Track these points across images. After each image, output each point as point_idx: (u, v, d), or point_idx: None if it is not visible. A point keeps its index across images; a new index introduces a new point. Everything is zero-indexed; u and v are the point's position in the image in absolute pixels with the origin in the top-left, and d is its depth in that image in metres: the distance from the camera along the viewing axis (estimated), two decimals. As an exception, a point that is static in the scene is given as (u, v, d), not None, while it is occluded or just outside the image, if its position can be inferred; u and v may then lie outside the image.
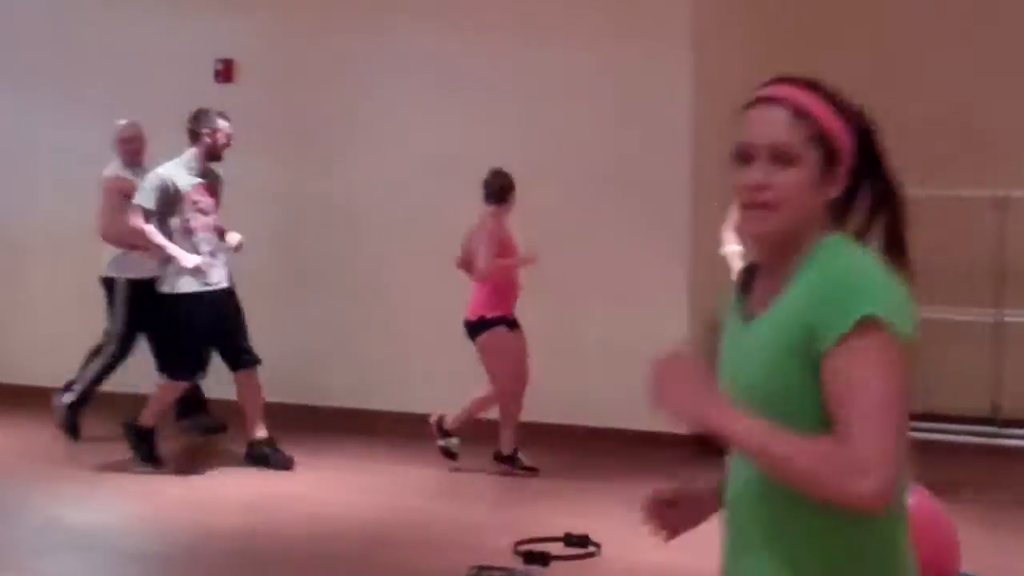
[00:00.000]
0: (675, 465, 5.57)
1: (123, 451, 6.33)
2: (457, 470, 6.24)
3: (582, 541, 5.11)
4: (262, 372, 6.34)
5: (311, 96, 7.34)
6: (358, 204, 7.25)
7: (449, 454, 6.33)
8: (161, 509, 5.67)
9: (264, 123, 7.23)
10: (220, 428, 6.93)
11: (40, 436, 6.92)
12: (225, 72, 7.53)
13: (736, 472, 1.77)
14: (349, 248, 7.32)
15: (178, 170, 6.17)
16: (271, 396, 6.48)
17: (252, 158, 6.93)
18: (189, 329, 6.10)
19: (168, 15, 7.65)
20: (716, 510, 1.89)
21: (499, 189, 6.14)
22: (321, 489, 6.02)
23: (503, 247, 6.13)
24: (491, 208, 6.14)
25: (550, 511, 5.51)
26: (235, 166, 6.51)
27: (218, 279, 6.19)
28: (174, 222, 6.15)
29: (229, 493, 5.94)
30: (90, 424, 6.84)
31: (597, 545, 5.04)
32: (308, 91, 7.37)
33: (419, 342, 7.15)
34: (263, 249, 6.97)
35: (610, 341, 6.73)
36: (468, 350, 6.15)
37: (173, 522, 5.47)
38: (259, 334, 6.42)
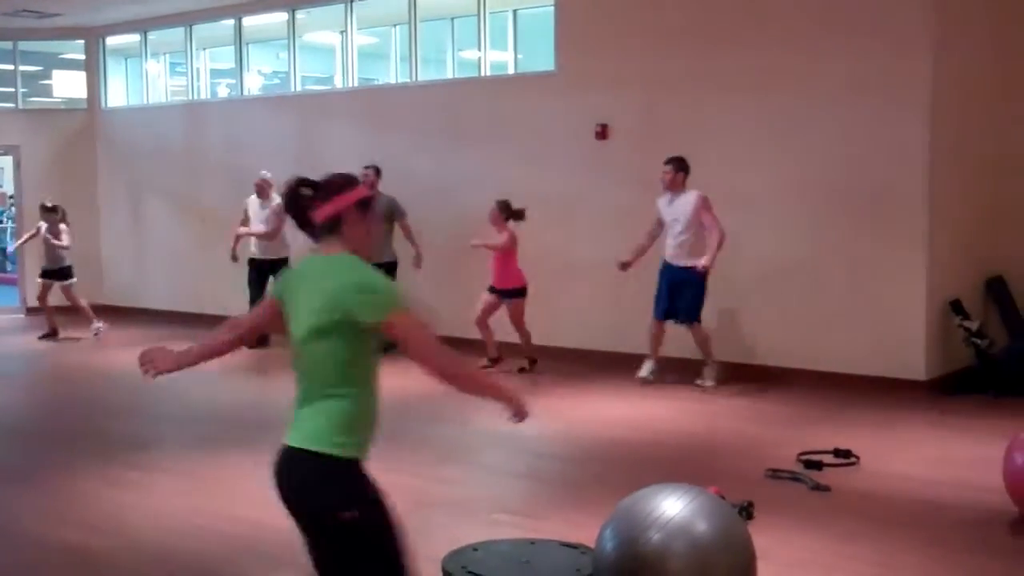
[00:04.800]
0: (913, 403, 8.11)
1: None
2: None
3: (846, 453, 6.95)
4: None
5: (662, 148, 10.00)
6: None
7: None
8: (565, 423, 8.25)
9: (629, 168, 10.51)
10: None
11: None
12: (602, 132, 10.67)
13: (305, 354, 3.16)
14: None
15: None
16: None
17: (623, 192, 10.37)
18: None
19: (564, 95, 10.93)
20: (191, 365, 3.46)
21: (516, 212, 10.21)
22: (656, 409, 8.74)
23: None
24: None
25: (823, 432, 7.78)
26: (614, 197, 10.18)
27: None
28: None
29: (612, 412, 8.64)
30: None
31: (857, 457, 6.97)
32: (660, 144, 10.10)
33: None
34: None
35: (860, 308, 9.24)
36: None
37: (572, 432, 8.00)
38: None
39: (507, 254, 10.37)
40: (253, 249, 12.39)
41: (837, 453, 7.02)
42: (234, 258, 12.51)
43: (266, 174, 12.39)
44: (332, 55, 14.38)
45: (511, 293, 10.48)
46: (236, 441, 7.88)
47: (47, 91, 18.23)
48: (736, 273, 9.93)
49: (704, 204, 9.45)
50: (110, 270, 15.64)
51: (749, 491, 6.12)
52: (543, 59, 11.66)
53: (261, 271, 12.03)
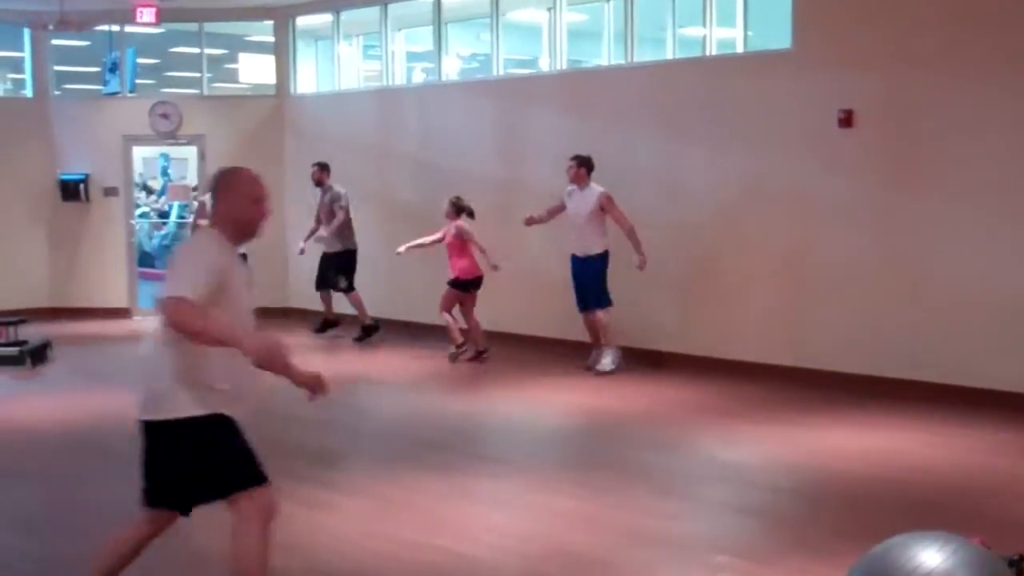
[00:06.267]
0: None
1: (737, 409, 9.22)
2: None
3: None
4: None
5: (916, 137, 9.83)
6: (950, 226, 9.90)
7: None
8: (793, 454, 8.18)
9: (877, 161, 10.23)
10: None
11: (707, 392, 10.36)
12: (846, 119, 10.41)
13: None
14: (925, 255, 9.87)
15: None
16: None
17: (867, 185, 10.16)
18: None
19: (801, 77, 10.69)
20: None
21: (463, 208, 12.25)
22: (896, 442, 8.46)
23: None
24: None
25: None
26: (858, 193, 10.01)
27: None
28: None
29: (845, 444, 8.49)
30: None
31: None
32: (913, 133, 9.91)
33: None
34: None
35: None
36: None
37: (802, 465, 7.92)
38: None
39: (456, 246, 12.24)
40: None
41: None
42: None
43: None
44: (538, 35, 14.53)
45: (454, 283, 12.30)
46: (430, 462, 8.07)
47: (233, 76, 19.06)
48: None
49: (605, 202, 11.31)
50: (296, 270, 16.21)
51: (1020, 541, 5.84)
52: (777, 36, 11.46)
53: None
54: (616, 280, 11.52)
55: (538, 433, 9.32)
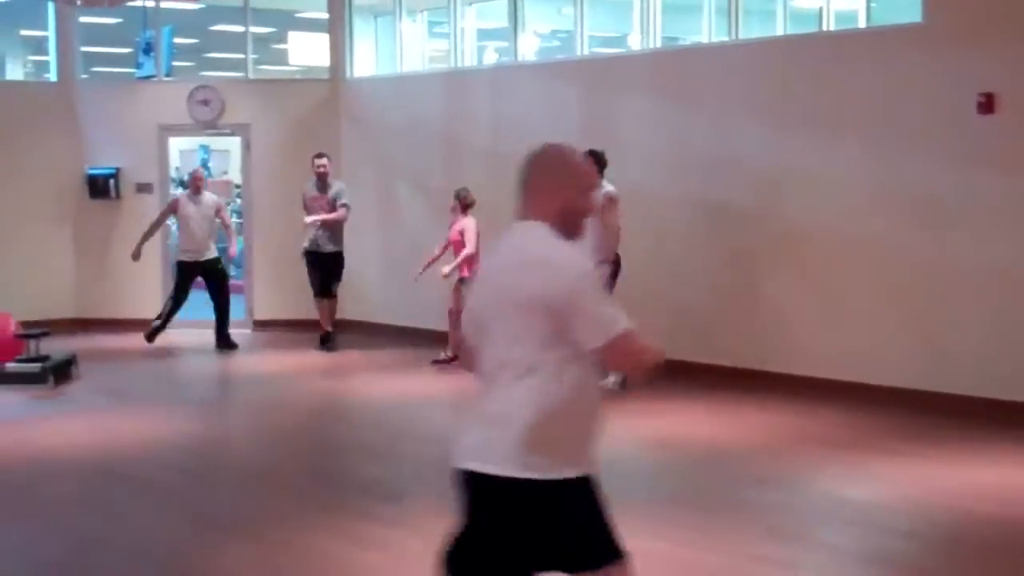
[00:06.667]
0: None
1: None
2: None
3: None
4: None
5: None
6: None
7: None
8: (924, 492, 8.03)
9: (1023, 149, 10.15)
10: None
11: (815, 417, 10.28)
12: (986, 104, 10.29)
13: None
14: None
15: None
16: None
17: (1012, 180, 10.16)
18: None
19: (934, 55, 10.58)
20: None
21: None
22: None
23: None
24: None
25: None
26: (990, 187, 9.84)
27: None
28: None
29: (984, 481, 8.34)
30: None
31: None
32: None
33: None
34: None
35: None
36: None
37: (934, 505, 7.78)
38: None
39: (461, 244, 13.04)
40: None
41: None
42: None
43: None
44: (628, 8, 14.47)
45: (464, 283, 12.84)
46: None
47: (282, 57, 19.21)
48: None
49: (606, 203, 11.22)
50: (353, 277, 16.26)
51: None
52: (906, 7, 11.31)
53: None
54: (701, 291, 11.40)
55: (618, 465, 9.22)
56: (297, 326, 15.70)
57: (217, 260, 15.05)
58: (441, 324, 13.94)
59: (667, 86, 12.94)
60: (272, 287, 16.54)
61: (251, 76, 17.25)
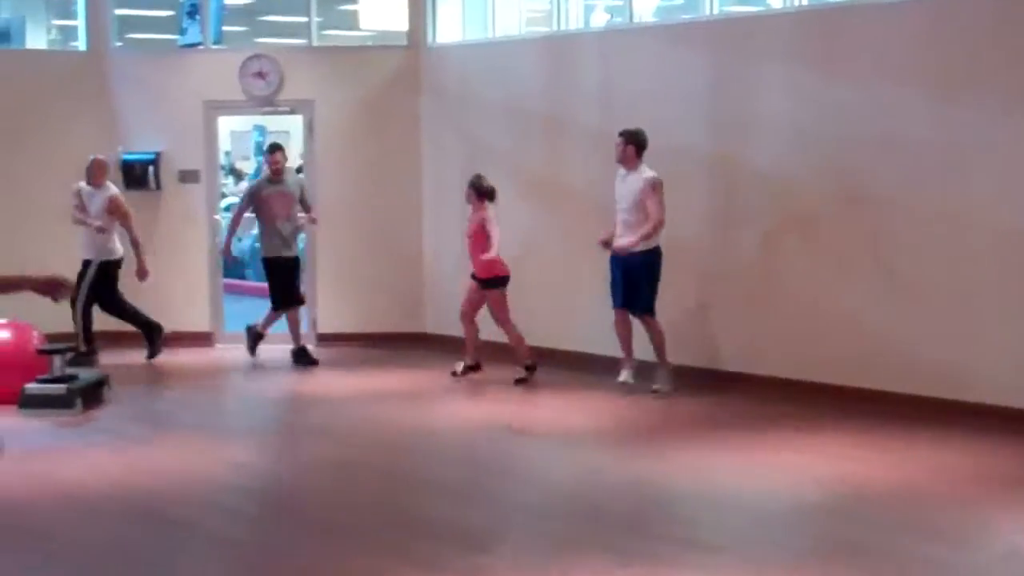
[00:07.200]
0: None
1: None
2: None
3: None
4: None
5: None
6: None
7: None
8: None
9: None
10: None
11: (996, 457, 10.15)
12: None
13: None
14: None
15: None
16: None
17: None
18: None
19: None
20: None
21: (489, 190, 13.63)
22: None
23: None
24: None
25: None
26: None
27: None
28: None
29: None
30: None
31: None
32: None
33: None
34: None
35: None
36: None
37: None
38: None
39: (480, 239, 13.58)
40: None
41: None
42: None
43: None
44: (767, -42, 14.34)
45: (487, 283, 13.73)
46: (610, 545, 8.02)
47: (351, 21, 19.26)
48: None
49: (650, 190, 12.43)
50: (436, 280, 16.26)
51: None
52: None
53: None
54: (854, 298, 11.24)
55: (759, 509, 9.12)
56: (368, 340, 15.72)
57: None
58: (536, 337, 13.93)
59: (813, 51, 12.82)
60: (340, 295, 16.59)
61: (315, 43, 17.28)
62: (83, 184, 15.17)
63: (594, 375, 13.59)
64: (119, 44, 17.78)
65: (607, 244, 12.85)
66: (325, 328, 16.55)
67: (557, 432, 11.67)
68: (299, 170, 17.65)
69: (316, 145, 16.84)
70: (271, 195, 15.23)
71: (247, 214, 15.74)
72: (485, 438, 11.35)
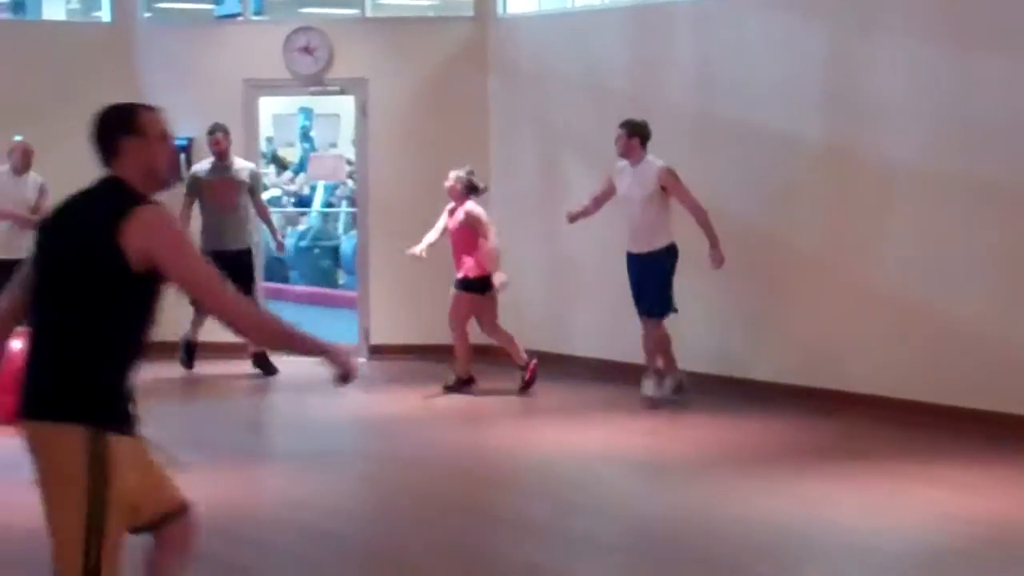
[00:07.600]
0: None
1: None
2: None
3: None
4: None
5: None
6: None
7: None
8: None
9: None
10: None
11: None
12: None
13: None
14: None
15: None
16: None
17: None
18: None
19: None
20: None
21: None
22: None
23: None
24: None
25: None
26: None
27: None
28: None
29: None
30: None
31: None
32: None
33: None
34: None
35: None
36: None
37: None
38: None
39: (465, 236, 14.15)
40: None
41: None
42: None
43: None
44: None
45: (480, 284, 14.19)
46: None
47: (410, -11, 19.35)
48: None
49: (667, 180, 12.94)
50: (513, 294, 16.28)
51: None
52: None
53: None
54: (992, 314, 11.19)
55: (888, 549, 9.06)
56: (426, 353, 15.75)
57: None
58: (612, 352, 13.97)
59: (942, 21, 12.77)
60: (396, 302, 16.63)
61: (368, 14, 17.39)
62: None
63: (691, 393, 13.61)
64: (148, 15, 17.91)
65: (573, 219, 13.78)
66: (378, 339, 16.60)
67: (628, 455, 11.67)
68: (349, 162, 17.71)
69: (369, 129, 16.91)
70: (212, 181, 15.53)
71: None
72: (569, 468, 11.31)
